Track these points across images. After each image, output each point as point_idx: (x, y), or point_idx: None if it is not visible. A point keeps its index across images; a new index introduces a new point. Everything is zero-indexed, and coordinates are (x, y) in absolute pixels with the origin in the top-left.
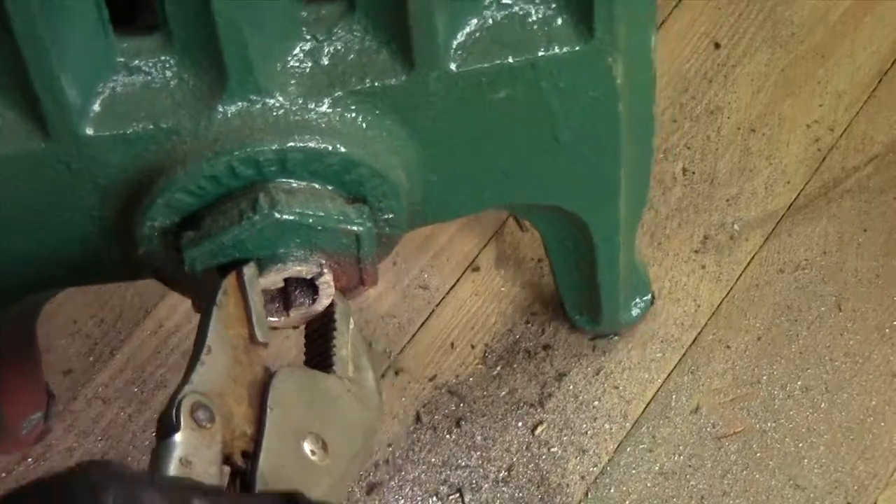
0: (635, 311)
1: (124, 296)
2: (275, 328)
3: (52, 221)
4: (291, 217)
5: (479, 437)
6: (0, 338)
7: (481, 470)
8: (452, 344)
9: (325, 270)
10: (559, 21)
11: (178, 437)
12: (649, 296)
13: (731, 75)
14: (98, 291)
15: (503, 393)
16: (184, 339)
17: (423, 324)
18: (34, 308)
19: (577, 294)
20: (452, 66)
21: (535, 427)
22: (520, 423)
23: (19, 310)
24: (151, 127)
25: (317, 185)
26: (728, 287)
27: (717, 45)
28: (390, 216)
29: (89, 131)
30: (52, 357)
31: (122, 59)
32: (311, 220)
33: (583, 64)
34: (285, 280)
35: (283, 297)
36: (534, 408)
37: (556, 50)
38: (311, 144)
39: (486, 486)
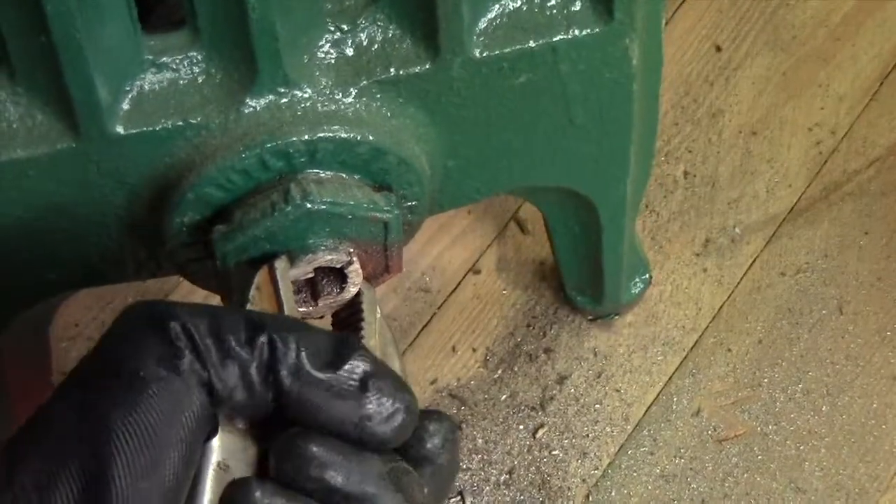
0: (636, 290)
1: (126, 298)
2: (303, 319)
3: (77, 222)
4: (324, 206)
5: (480, 441)
6: (13, 341)
7: (482, 473)
8: (453, 347)
9: (354, 259)
10: (578, 4)
11: (215, 441)
12: (648, 275)
13: (732, 78)
14: (100, 294)
15: (504, 396)
16: None
17: (424, 327)
18: (48, 310)
19: (580, 275)
20: (476, 53)
21: (537, 430)
22: (521, 427)
23: (35, 312)
24: (181, 123)
25: (344, 175)
26: (729, 290)
27: (718, 48)
28: (414, 203)
29: (119, 130)
30: (54, 360)
31: (149, 57)
32: (341, 210)
33: (602, 46)
34: (314, 269)
35: (311, 286)
36: (535, 411)
37: (576, 33)
38: (342, 134)
39: (488, 489)
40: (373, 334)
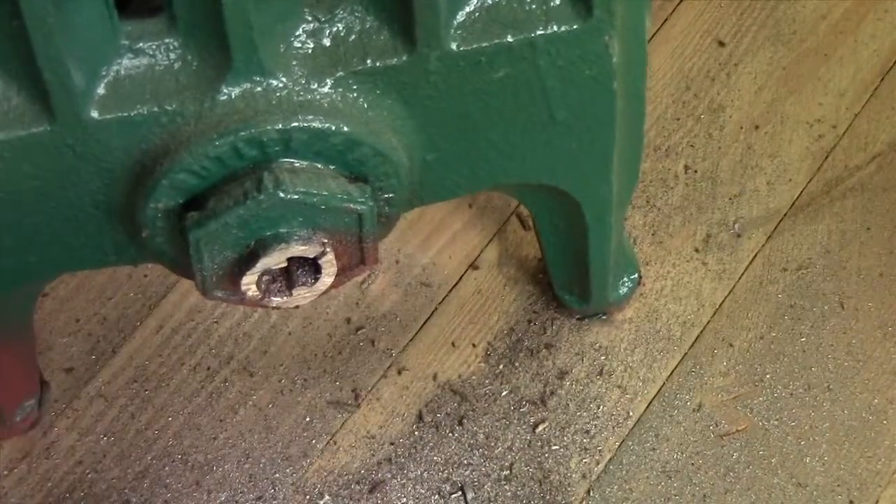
0: (623, 290)
1: (127, 293)
2: (278, 308)
3: (55, 205)
4: (296, 196)
5: (481, 436)
6: None
7: (483, 468)
8: (454, 342)
9: (328, 250)
10: (557, 0)
11: None
12: (636, 275)
13: (733, 73)
14: (100, 289)
15: (505, 391)
16: (187, 337)
17: (425, 322)
18: (30, 293)
19: (567, 274)
20: (453, 46)
21: (537, 425)
22: (522, 422)
23: (15, 295)
24: (156, 109)
25: (319, 165)
26: (730, 285)
27: (721, 44)
28: (391, 195)
29: (94, 114)
30: (55, 355)
31: (126, 42)
32: (315, 200)
33: (581, 42)
34: (288, 259)
35: (286, 275)
36: (536, 406)
37: (555, 29)
38: (315, 125)
39: (489, 484)
40: None
